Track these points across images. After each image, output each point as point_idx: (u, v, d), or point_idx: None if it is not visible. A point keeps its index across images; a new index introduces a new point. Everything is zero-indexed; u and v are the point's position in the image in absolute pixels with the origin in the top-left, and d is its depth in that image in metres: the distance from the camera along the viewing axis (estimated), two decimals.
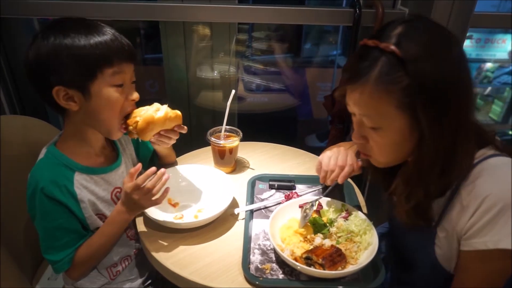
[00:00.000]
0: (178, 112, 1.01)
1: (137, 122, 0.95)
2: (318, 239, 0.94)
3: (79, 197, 0.91)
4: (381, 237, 1.15)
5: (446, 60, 0.72)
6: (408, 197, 0.81)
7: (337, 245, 0.91)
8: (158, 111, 0.98)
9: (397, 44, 0.71)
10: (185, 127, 1.05)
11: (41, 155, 0.93)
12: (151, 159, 1.21)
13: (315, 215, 0.99)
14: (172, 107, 1.02)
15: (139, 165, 0.94)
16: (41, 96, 0.88)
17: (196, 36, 1.78)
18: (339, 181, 1.02)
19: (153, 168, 0.92)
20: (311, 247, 0.91)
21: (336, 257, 0.85)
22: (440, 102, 0.71)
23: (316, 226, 0.97)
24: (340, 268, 0.84)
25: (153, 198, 0.93)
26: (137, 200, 0.91)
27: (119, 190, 1.02)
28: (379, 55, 0.72)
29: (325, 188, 1.14)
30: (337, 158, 1.04)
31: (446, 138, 0.74)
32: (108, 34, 0.86)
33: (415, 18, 0.77)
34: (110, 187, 1.00)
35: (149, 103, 1.01)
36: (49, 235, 0.91)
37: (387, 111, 0.74)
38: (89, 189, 0.95)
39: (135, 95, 0.94)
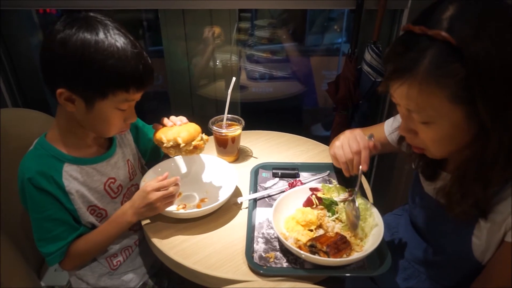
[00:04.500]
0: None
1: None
2: (327, 226, 0.92)
3: (67, 189, 0.90)
4: (396, 222, 1.14)
5: (507, 42, 0.61)
6: (464, 195, 0.74)
7: (342, 232, 0.90)
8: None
9: (449, 30, 0.61)
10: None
11: (31, 147, 0.92)
12: (157, 149, 1.18)
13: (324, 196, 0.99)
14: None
15: (167, 174, 0.94)
16: (44, 79, 0.85)
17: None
18: (363, 168, 0.94)
19: (167, 174, 0.94)
20: (316, 235, 0.90)
21: (340, 244, 0.84)
22: (502, 91, 0.62)
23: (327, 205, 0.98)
24: (345, 256, 0.83)
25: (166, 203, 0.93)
26: (153, 202, 0.90)
27: (112, 180, 1.00)
28: (428, 44, 0.63)
29: (341, 176, 1.11)
30: (349, 145, 0.96)
31: (510, 128, 0.65)
32: (138, 56, 0.83)
33: None
34: (103, 177, 0.98)
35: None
36: (39, 226, 0.90)
37: (439, 105, 0.66)
38: (79, 180, 0.92)
39: (133, 119, 0.94)
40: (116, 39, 0.80)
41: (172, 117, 1.04)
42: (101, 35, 0.79)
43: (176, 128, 0.99)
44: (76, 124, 0.91)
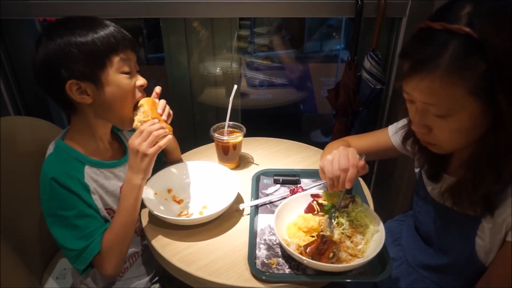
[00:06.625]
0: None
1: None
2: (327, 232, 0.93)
3: (90, 188, 0.92)
4: (399, 228, 1.15)
5: None
6: (477, 185, 0.75)
7: (342, 238, 0.90)
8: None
9: (469, 25, 0.64)
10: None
11: (50, 150, 0.94)
12: (159, 156, 1.19)
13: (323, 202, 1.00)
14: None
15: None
16: (53, 95, 0.90)
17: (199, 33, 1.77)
18: (346, 186, 0.91)
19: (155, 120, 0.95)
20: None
21: (322, 246, 0.83)
22: None
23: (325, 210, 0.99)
24: (331, 255, 0.83)
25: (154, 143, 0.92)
26: (141, 149, 0.90)
27: None
28: (448, 39, 0.66)
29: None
30: (338, 161, 0.92)
31: None
32: (110, 26, 0.90)
33: None
34: (120, 181, 1.01)
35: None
36: (72, 225, 0.88)
37: (460, 97, 0.67)
38: (98, 183, 0.96)
39: (143, 81, 0.97)
40: (88, 24, 0.89)
41: (162, 104, 1.03)
42: (76, 28, 0.87)
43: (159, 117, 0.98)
44: (94, 124, 0.95)
